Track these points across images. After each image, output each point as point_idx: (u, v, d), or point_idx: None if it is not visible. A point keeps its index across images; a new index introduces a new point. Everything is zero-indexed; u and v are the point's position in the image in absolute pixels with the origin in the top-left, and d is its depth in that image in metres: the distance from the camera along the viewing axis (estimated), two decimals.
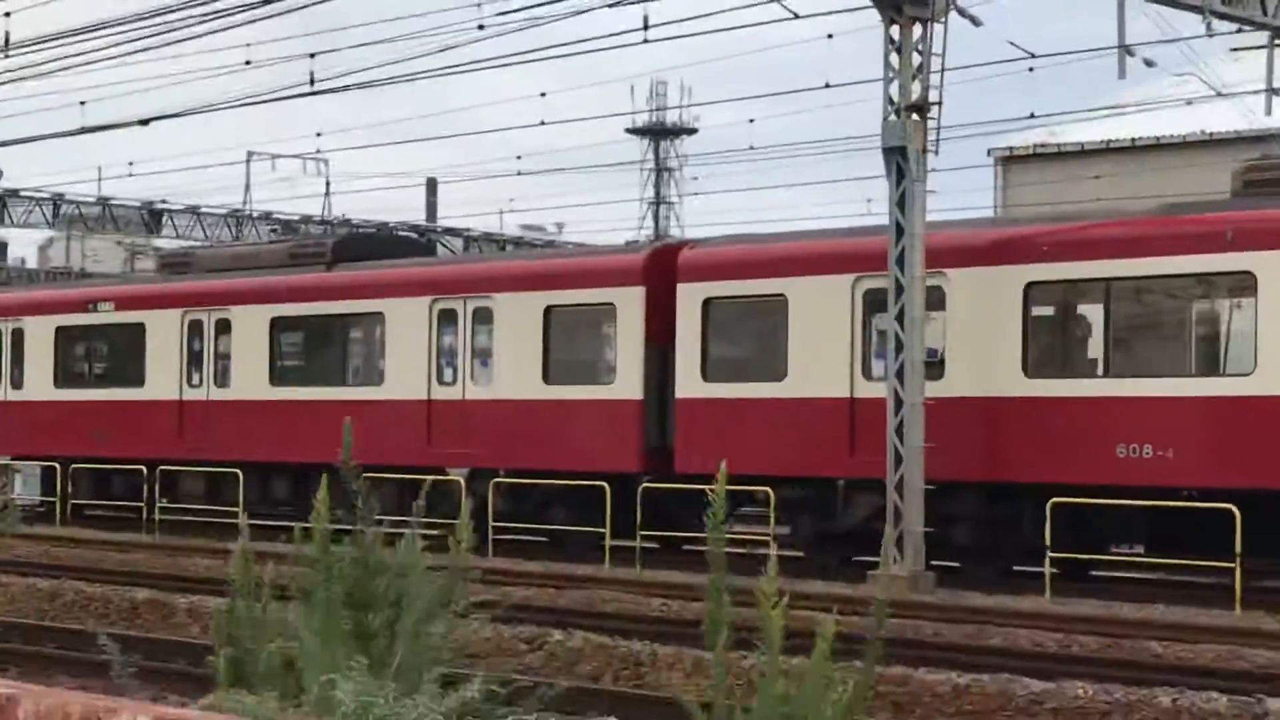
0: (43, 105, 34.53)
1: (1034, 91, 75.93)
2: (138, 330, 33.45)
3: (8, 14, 27.75)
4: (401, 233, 50.05)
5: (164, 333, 32.61)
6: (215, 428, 31.70)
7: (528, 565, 25.27)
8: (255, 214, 68.79)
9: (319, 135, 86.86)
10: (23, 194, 62.38)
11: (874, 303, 23.57)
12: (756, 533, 27.07)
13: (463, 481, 27.43)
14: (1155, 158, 35.52)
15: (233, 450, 31.27)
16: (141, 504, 32.63)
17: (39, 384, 34.92)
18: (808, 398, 24.09)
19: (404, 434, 28.73)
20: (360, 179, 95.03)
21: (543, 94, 36.45)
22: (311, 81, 27.60)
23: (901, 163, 22.06)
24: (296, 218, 69.45)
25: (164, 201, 66.32)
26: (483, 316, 28.08)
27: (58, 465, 33.62)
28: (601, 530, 26.59)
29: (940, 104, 22.14)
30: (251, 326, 31.21)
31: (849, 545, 24.91)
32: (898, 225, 22.14)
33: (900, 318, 22.11)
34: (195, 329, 32.33)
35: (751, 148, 47.93)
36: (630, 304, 26.03)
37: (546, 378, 27.08)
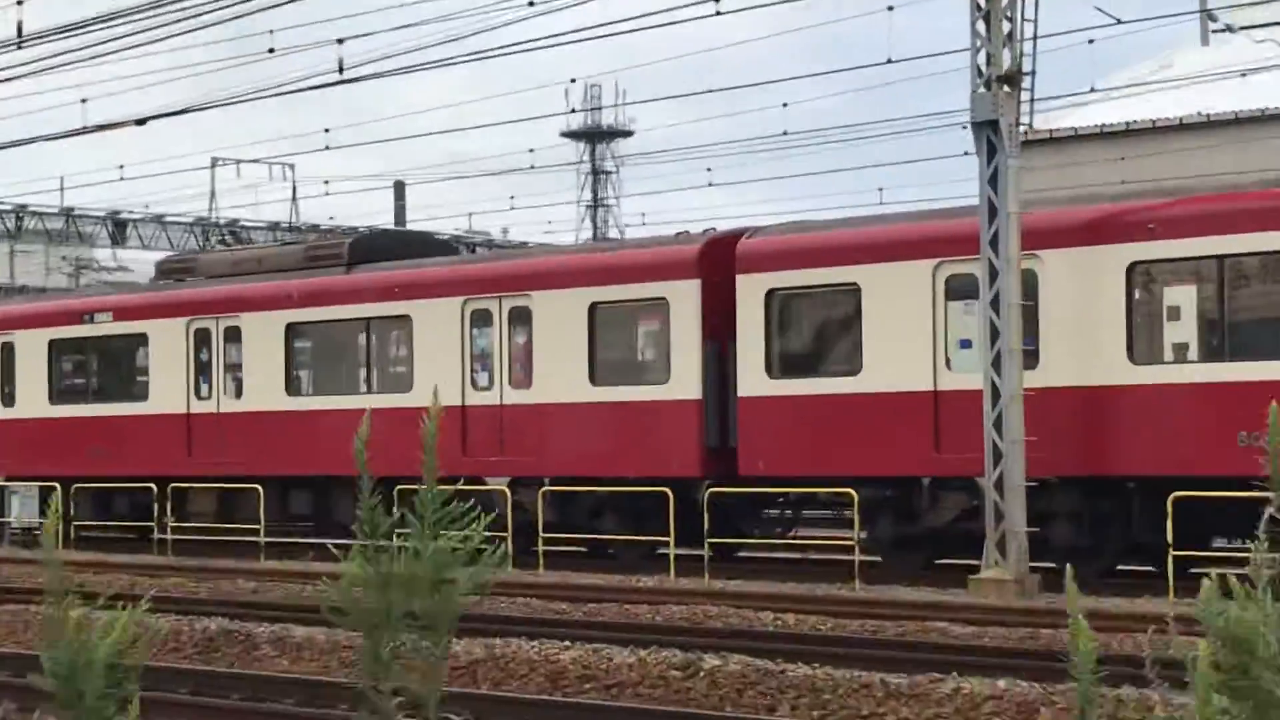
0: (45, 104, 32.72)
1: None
2: (139, 341, 31.73)
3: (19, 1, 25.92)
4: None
5: (168, 343, 30.89)
6: (227, 441, 30.00)
7: (579, 578, 23.75)
8: (221, 221, 67.03)
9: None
10: None
11: (956, 289, 22.17)
12: (827, 537, 25.66)
13: (507, 491, 25.89)
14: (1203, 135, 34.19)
15: (247, 465, 29.59)
16: (149, 524, 30.95)
17: (32, 400, 33.12)
18: (886, 392, 22.63)
19: (438, 443, 27.10)
20: (325, 182, 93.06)
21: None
22: (340, 69, 25.94)
23: (993, 137, 20.66)
24: (262, 225, 67.78)
25: (129, 211, 64.69)
26: (520, 316, 26.52)
27: (57, 485, 31.74)
28: (655, 539, 25.14)
29: (1034, 73, 20.75)
30: (264, 334, 29.54)
31: (928, 548, 23.53)
32: (990, 204, 20.73)
33: (995, 303, 20.71)
34: (202, 338, 30.63)
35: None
36: (685, 298, 24.51)
37: (593, 379, 25.55)
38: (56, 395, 33.07)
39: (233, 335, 30.19)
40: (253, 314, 29.81)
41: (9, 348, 33.60)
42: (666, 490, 23.88)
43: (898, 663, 14.68)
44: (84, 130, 29.97)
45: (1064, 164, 34.40)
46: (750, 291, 23.83)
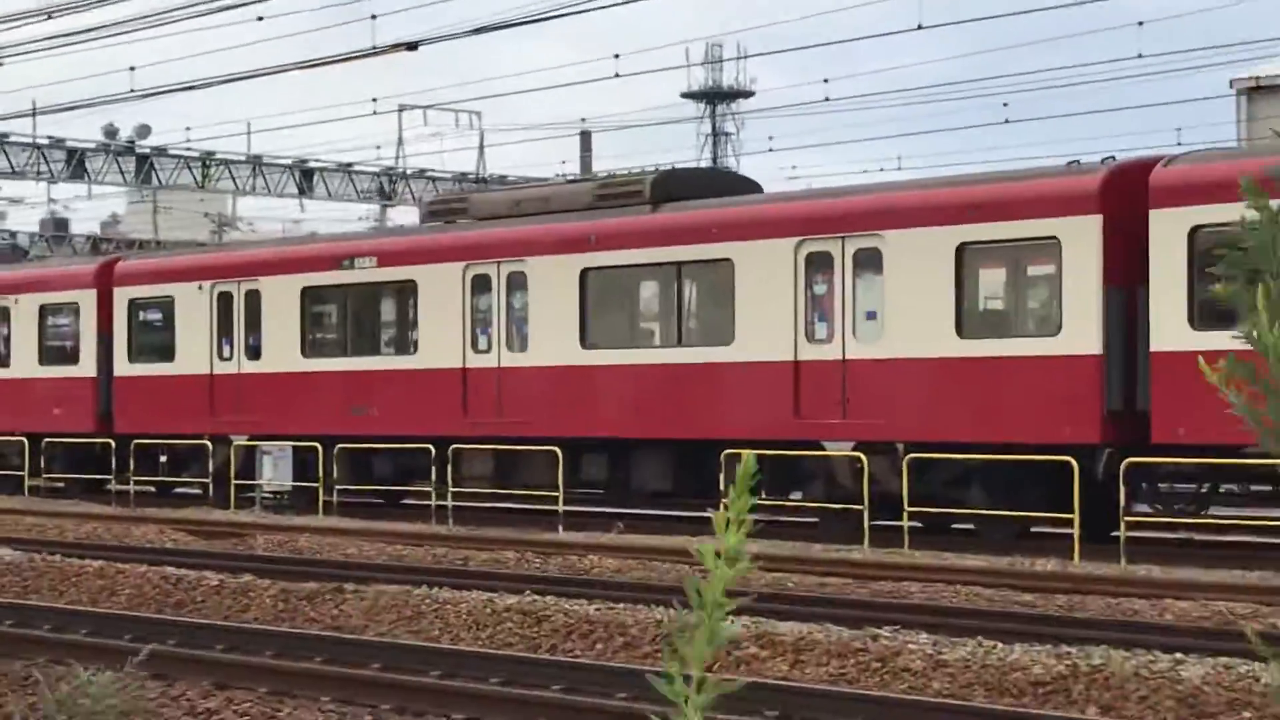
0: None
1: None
2: (407, 288, 28.91)
3: None
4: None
5: (441, 291, 28.03)
6: (510, 399, 27.13)
7: (961, 560, 20.59)
8: (408, 172, 64.40)
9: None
10: (171, 152, 58.03)
11: None
12: (1243, 518, 22.38)
13: (864, 459, 22.81)
14: None
15: (534, 425, 26.72)
16: (423, 487, 28.22)
17: (283, 354, 30.42)
18: None
19: (763, 402, 24.13)
20: (511, 131, 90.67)
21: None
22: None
23: None
24: (448, 175, 65.12)
25: (316, 160, 62.22)
26: (868, 260, 23.37)
27: (319, 446, 29.11)
28: (1036, 515, 22.00)
29: None
30: (554, 281, 26.60)
31: None
32: None
33: None
34: (481, 285, 27.74)
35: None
36: (1082, 237, 21.24)
37: (961, 330, 22.38)
38: (310, 348, 30.36)
39: (517, 282, 27.28)
40: (541, 258, 26.87)
41: (255, 296, 30.92)
42: (1070, 459, 20.67)
43: None
44: (352, 56, 27.12)
45: None
46: (1168, 229, 20.51)
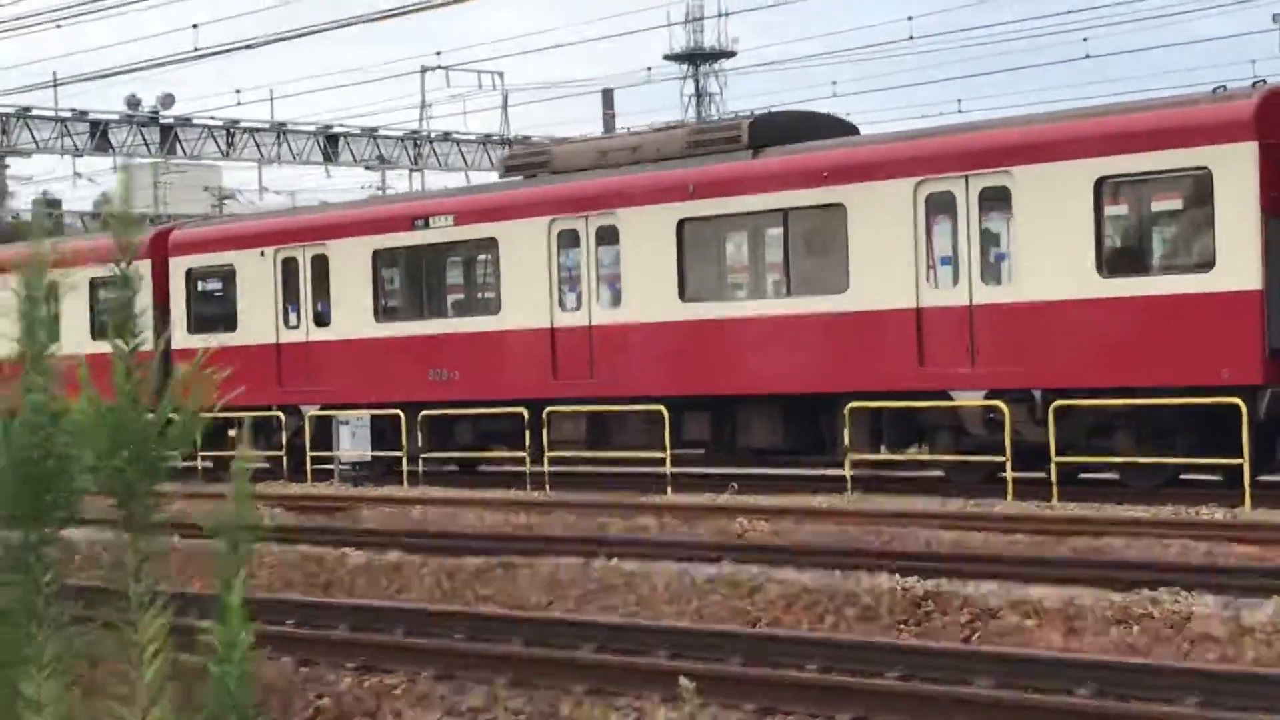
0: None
1: None
2: (487, 247, 27.67)
3: None
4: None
5: (526, 248, 26.78)
6: (603, 358, 25.92)
7: (1117, 509, 19.41)
8: (433, 135, 63.05)
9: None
10: (196, 121, 56.64)
11: None
12: None
13: (1005, 409, 21.63)
14: None
15: (629, 384, 25.52)
16: (513, 453, 27.04)
17: (355, 319, 29.19)
18: None
19: (883, 352, 22.94)
20: (531, 90, 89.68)
21: None
22: None
23: None
24: (473, 137, 63.79)
25: (341, 125, 60.85)
26: (996, 199, 22.15)
27: (401, 414, 27.89)
28: (1186, 462, 20.85)
29: None
30: (649, 233, 25.37)
31: None
32: None
33: None
34: (568, 240, 26.51)
35: None
36: (1236, 165, 20.01)
37: (1102, 269, 21.16)
38: (383, 313, 29.13)
39: (607, 236, 26.05)
40: (633, 209, 25.62)
41: (322, 260, 29.67)
42: (1237, 401, 19.48)
43: None
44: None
45: None
46: None
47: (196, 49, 47.88)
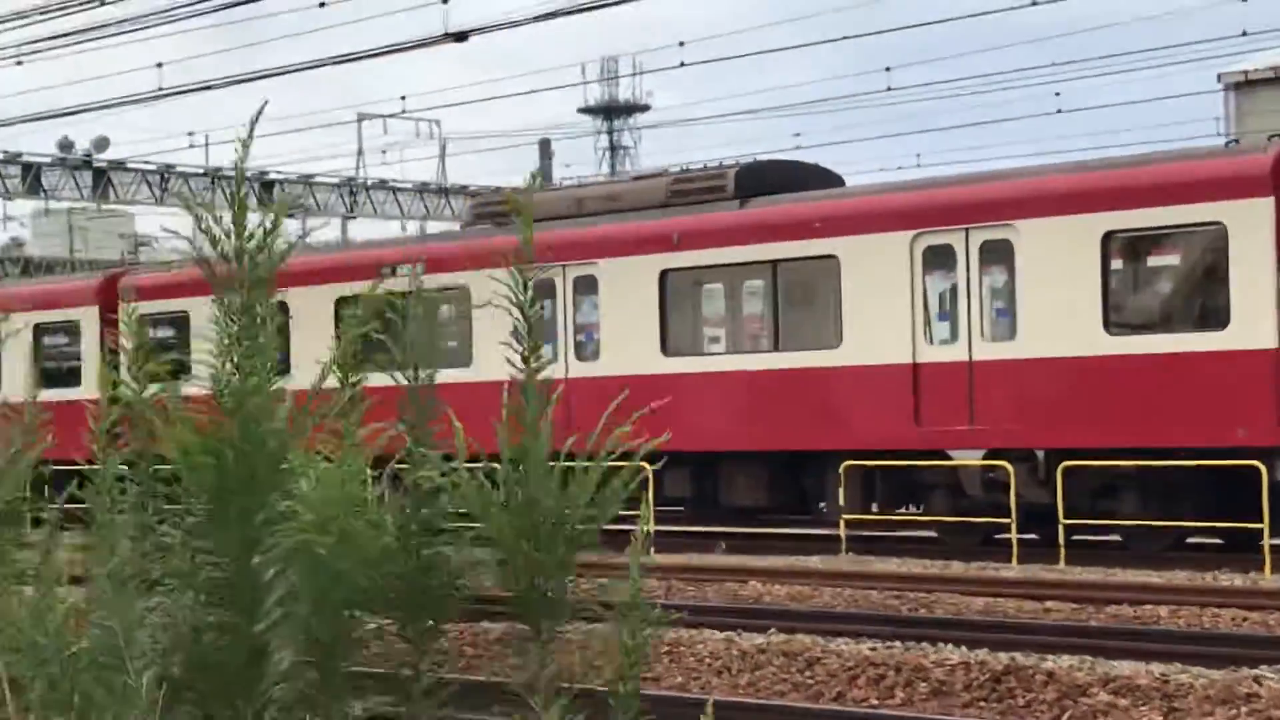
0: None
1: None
2: (460, 298, 26.80)
3: None
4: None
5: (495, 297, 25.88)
6: (580, 413, 25.04)
7: (1171, 578, 18.70)
8: (369, 182, 62.06)
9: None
10: (130, 165, 55.43)
11: None
12: None
13: (1010, 469, 20.94)
14: None
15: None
16: None
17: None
18: None
19: (877, 409, 22.25)
20: (469, 139, 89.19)
21: None
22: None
23: None
24: (408, 185, 62.88)
25: (277, 171, 59.77)
26: (995, 252, 21.56)
27: None
28: (1195, 525, 20.28)
29: None
30: (631, 283, 24.61)
31: None
32: None
33: None
34: (544, 290, 25.66)
35: None
36: (1252, 221, 19.50)
37: (1109, 327, 20.57)
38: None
39: (585, 286, 25.27)
40: (613, 260, 24.87)
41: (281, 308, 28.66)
42: (1258, 464, 18.91)
43: None
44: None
45: None
46: None
47: (131, 95, 46.78)
